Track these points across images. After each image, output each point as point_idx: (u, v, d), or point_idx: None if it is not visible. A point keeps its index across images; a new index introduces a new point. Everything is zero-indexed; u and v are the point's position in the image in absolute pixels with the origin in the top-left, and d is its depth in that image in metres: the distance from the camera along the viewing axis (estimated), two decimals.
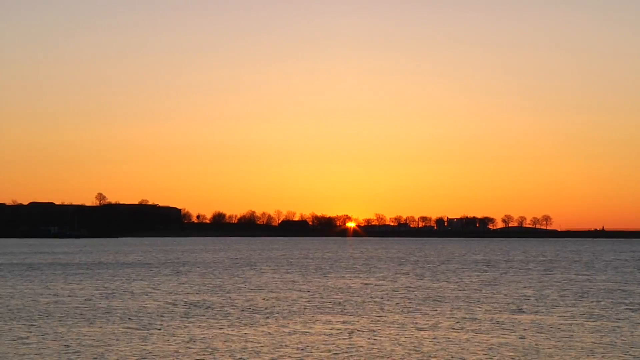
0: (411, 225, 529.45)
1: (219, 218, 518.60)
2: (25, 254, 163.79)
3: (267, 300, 59.29)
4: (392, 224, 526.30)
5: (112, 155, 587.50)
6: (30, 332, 41.44)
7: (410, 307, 54.16)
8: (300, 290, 68.59)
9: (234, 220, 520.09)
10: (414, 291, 68.08)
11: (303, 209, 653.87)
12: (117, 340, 38.51)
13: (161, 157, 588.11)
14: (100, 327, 43.37)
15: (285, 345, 37.04)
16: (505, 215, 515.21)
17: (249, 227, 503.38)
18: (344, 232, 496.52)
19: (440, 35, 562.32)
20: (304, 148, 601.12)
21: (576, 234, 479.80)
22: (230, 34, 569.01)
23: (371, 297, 61.85)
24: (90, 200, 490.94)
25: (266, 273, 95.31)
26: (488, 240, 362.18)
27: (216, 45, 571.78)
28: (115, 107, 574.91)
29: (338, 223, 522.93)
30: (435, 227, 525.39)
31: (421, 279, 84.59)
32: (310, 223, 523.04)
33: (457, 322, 45.58)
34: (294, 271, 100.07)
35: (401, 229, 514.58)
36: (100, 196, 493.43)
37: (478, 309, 53.33)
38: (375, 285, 75.78)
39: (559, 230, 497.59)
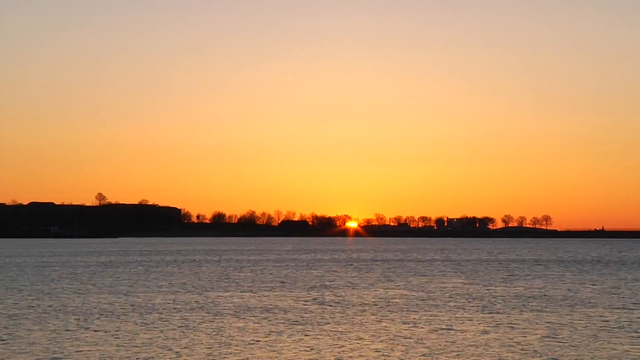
0: (411, 225, 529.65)
1: (219, 218, 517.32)
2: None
3: (382, 299, 58.86)
4: (392, 224, 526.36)
5: (112, 155, 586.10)
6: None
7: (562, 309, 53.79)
8: (412, 290, 68.14)
9: (234, 220, 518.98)
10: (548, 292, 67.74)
11: (303, 209, 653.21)
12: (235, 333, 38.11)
13: (161, 157, 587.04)
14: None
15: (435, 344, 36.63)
16: (505, 215, 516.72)
17: (249, 227, 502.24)
18: (344, 232, 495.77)
19: (441, 34, 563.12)
20: (304, 148, 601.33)
21: (576, 234, 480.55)
22: (231, 33, 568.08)
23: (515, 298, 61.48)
24: (90, 200, 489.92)
25: (349, 273, 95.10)
26: (502, 240, 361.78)
27: (216, 45, 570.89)
28: (116, 107, 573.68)
29: (338, 223, 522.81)
30: (435, 227, 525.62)
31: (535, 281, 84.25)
32: (310, 223, 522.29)
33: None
34: (376, 272, 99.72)
35: (401, 229, 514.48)
36: (100, 196, 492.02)
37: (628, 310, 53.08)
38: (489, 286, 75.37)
39: (559, 230, 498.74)
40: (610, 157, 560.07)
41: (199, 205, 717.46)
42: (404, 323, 44.25)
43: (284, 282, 77.11)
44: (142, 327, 42.39)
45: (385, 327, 42.57)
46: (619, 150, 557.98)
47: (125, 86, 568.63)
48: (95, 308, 52.19)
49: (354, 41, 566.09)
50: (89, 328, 42.05)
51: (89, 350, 34.89)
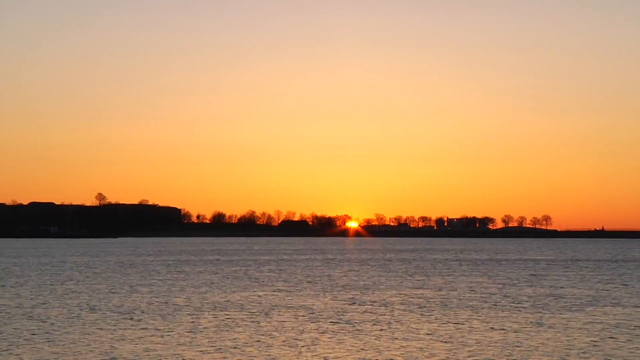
0: (411, 225, 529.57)
1: (219, 218, 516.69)
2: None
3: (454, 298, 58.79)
4: (392, 224, 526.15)
5: (112, 155, 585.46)
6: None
7: None
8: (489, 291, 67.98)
9: (234, 220, 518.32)
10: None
11: (303, 209, 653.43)
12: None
13: (161, 157, 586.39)
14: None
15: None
16: (505, 215, 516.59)
17: (249, 227, 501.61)
18: (344, 232, 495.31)
19: (441, 33, 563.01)
20: (304, 148, 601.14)
21: (576, 234, 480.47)
22: (231, 32, 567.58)
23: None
24: (90, 200, 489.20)
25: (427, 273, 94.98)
26: (507, 240, 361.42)
27: (216, 44, 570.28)
28: (115, 107, 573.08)
29: (338, 223, 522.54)
30: (435, 227, 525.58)
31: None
32: (310, 223, 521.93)
33: None
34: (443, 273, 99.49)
35: (401, 229, 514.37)
36: (100, 196, 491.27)
37: None
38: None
39: (559, 230, 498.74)
40: (610, 157, 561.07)
41: (199, 205, 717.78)
42: (445, 322, 44.34)
43: (311, 282, 76.88)
44: (181, 326, 42.34)
45: (426, 326, 42.58)
46: (619, 150, 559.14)
47: (125, 86, 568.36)
48: (136, 307, 51.90)
49: (354, 40, 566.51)
50: (139, 327, 41.84)
51: (140, 350, 34.82)
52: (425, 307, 52.73)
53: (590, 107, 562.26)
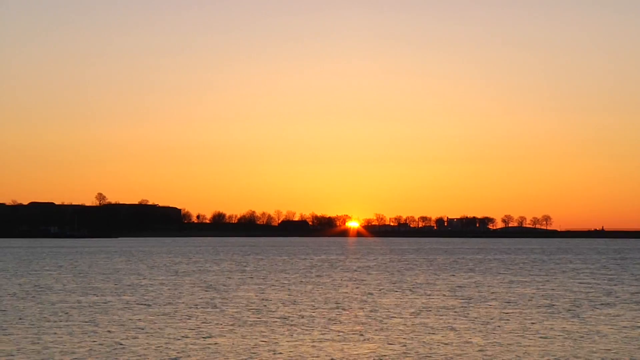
0: (411, 225, 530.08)
1: (219, 218, 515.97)
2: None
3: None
4: (392, 224, 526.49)
5: (112, 155, 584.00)
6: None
7: None
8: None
9: (234, 220, 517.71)
10: None
11: (303, 209, 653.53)
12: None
13: (161, 157, 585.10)
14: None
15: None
16: (505, 215, 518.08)
17: (249, 227, 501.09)
18: (344, 232, 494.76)
19: (443, 33, 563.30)
20: (304, 148, 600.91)
21: (576, 234, 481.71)
22: (231, 31, 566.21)
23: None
24: (90, 200, 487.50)
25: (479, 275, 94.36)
26: (516, 240, 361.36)
27: (217, 44, 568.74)
28: (116, 107, 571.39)
29: (338, 223, 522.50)
30: (435, 227, 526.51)
31: None
32: (310, 223, 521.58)
33: None
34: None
35: (401, 229, 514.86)
36: (100, 196, 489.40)
37: None
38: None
39: (559, 230, 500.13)
40: (611, 157, 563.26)
41: (199, 205, 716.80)
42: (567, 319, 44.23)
43: (399, 281, 76.02)
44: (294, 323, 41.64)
45: (555, 325, 42.28)
46: (619, 150, 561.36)
47: (126, 86, 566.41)
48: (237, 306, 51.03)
49: (355, 40, 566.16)
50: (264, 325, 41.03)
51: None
52: (537, 304, 52.36)
53: (591, 107, 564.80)
